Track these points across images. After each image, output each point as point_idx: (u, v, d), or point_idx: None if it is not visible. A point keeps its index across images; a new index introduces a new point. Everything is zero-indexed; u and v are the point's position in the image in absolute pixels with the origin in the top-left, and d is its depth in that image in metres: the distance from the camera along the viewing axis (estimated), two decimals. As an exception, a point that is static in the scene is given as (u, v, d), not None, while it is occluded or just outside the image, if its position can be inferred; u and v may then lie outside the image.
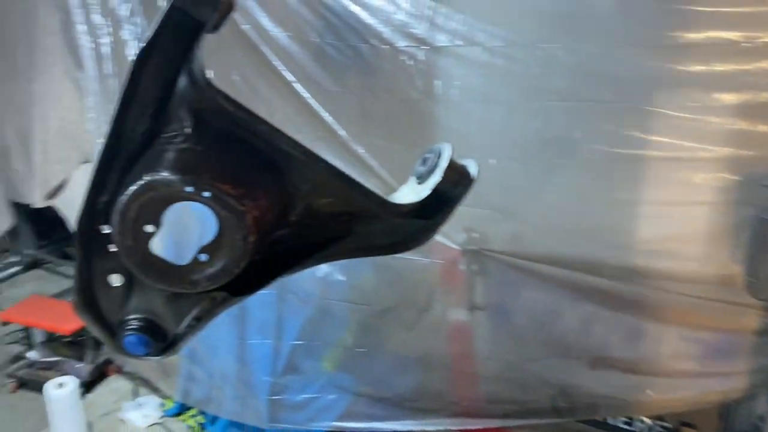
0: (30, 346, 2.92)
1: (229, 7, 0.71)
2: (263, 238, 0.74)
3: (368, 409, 2.38)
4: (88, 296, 0.82)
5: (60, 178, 3.23)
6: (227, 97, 0.72)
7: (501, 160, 2.01)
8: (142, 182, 0.69)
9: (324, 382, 2.43)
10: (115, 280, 0.82)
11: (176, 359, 2.59)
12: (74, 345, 2.84)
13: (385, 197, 0.79)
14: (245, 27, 2.19)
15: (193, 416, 2.69)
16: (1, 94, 3.33)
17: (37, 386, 2.77)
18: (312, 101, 2.16)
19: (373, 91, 2.21)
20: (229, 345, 2.44)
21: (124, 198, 0.70)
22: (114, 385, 2.89)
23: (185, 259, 0.77)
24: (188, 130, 0.71)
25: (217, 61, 2.39)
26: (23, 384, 2.83)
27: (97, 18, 2.45)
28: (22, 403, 2.78)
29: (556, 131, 2.01)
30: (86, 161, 3.22)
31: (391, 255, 0.85)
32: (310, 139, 2.18)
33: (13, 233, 3.80)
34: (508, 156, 2.03)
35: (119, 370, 2.92)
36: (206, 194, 0.69)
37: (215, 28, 0.72)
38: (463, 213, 2.14)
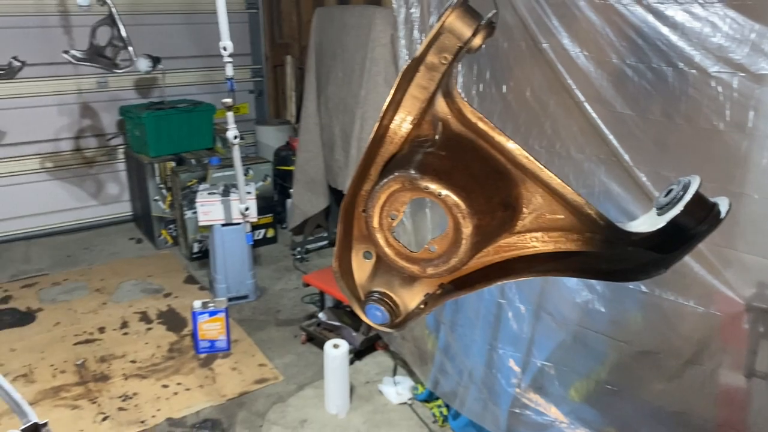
0: (321, 308, 3.44)
1: (490, 34, 0.78)
2: (486, 242, 0.79)
3: (607, 451, 2.24)
4: (345, 266, 0.98)
5: (367, 171, 3.71)
6: (473, 110, 0.80)
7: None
8: (392, 176, 0.81)
9: (567, 410, 2.36)
10: (368, 255, 0.96)
11: (432, 350, 2.79)
12: (354, 316, 3.25)
13: (618, 223, 0.77)
14: (545, 45, 2.23)
15: (438, 406, 2.85)
16: (338, 95, 3.96)
17: (319, 343, 3.27)
18: (599, 122, 2.10)
19: (670, 117, 2.05)
20: (481, 348, 2.53)
21: (377, 187, 0.82)
22: (379, 359, 3.23)
23: (419, 247, 0.87)
24: (437, 137, 0.81)
25: (514, 76, 2.49)
26: (311, 338, 3.36)
27: (416, 33, 2.77)
28: (308, 353, 3.31)
29: None
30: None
31: (618, 283, 0.82)
32: (590, 159, 2.13)
33: (326, 212, 4.50)
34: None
35: (385, 347, 3.25)
36: (442, 194, 0.78)
37: (476, 50, 0.79)
38: (756, 264, 1.89)
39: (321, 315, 3.31)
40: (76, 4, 4.51)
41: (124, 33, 3.37)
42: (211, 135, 4.90)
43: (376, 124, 0.86)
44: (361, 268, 0.99)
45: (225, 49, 3.03)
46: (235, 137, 3.20)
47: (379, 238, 0.86)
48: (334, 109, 4.01)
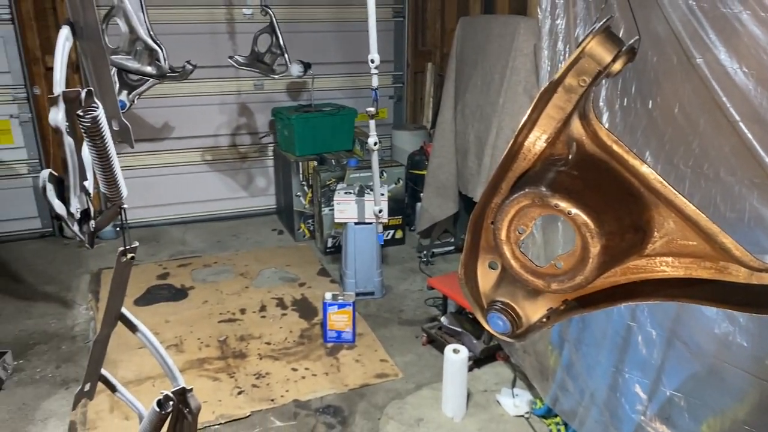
0: (443, 313, 3.50)
1: (630, 59, 0.79)
2: (614, 263, 0.81)
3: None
4: (470, 274, 1.03)
5: (500, 180, 3.71)
6: (608, 132, 0.82)
7: None
8: (523, 192, 0.85)
9: (697, 446, 2.22)
10: (494, 265, 1.01)
11: (554, 366, 2.75)
12: (475, 323, 3.28)
13: (756, 255, 0.76)
14: (699, 60, 2.12)
15: (556, 423, 2.80)
16: (475, 102, 4.00)
17: (440, 346, 3.33)
18: (756, 144, 1.96)
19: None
20: (605, 370, 2.45)
21: (508, 201, 0.87)
22: (498, 370, 3.23)
23: (545, 262, 0.90)
24: (570, 156, 0.84)
25: (662, 92, 2.40)
26: (432, 341, 3.43)
27: (560, 45, 2.74)
28: (428, 355, 3.38)
29: None
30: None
31: (761, 316, 0.80)
32: (742, 182, 2.00)
33: (455, 218, 4.55)
34: None
35: (506, 358, 3.24)
36: (572, 212, 0.81)
37: (615, 74, 0.81)
38: None
39: (443, 319, 3.37)
40: (241, 14, 4.98)
41: (282, 41, 3.67)
42: (351, 138, 5.14)
43: (511, 141, 0.91)
44: (486, 277, 1.04)
45: (372, 61, 3.20)
46: (375, 144, 3.37)
47: (506, 250, 0.91)
48: (470, 116, 4.05)
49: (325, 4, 5.36)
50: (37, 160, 4.89)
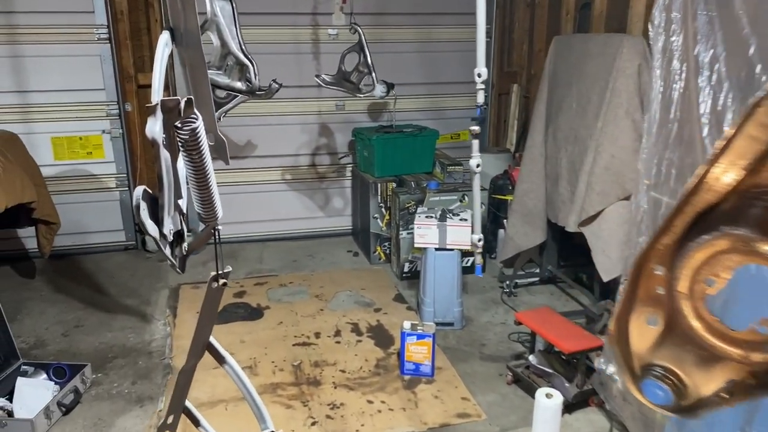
0: (531, 351, 3.25)
1: None
2: None
3: None
4: (623, 328, 0.84)
5: (596, 209, 3.45)
6: None
7: None
8: (719, 233, 0.66)
9: None
10: (653, 321, 0.81)
11: (661, 421, 2.45)
12: (568, 365, 3.02)
13: None
14: None
15: (660, 485, 2.49)
16: (569, 125, 3.77)
17: (526, 386, 3.09)
18: None
19: None
20: (729, 430, 2.15)
21: (694, 244, 0.68)
22: (591, 417, 2.94)
23: (738, 325, 0.70)
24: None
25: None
26: (517, 380, 3.19)
27: (675, 63, 2.49)
28: (513, 395, 3.14)
29: None
30: (625, 197, 3.34)
31: None
32: None
33: (541, 247, 4.29)
34: None
35: (601, 404, 2.95)
36: (791, 263, 0.61)
37: None
38: None
39: (531, 358, 3.12)
40: (326, 34, 4.97)
41: (370, 60, 3.58)
42: (431, 160, 5.00)
43: (698, 174, 0.71)
44: (642, 335, 0.84)
45: (479, 75, 3.04)
46: (477, 165, 3.19)
47: (686, 306, 0.71)
48: (563, 139, 3.82)
49: (410, 25, 5.28)
50: (125, 175, 5.03)
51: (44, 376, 3.16)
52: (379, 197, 4.80)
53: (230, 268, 1.39)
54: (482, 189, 4.67)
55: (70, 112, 4.81)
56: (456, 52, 5.42)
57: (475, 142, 3.25)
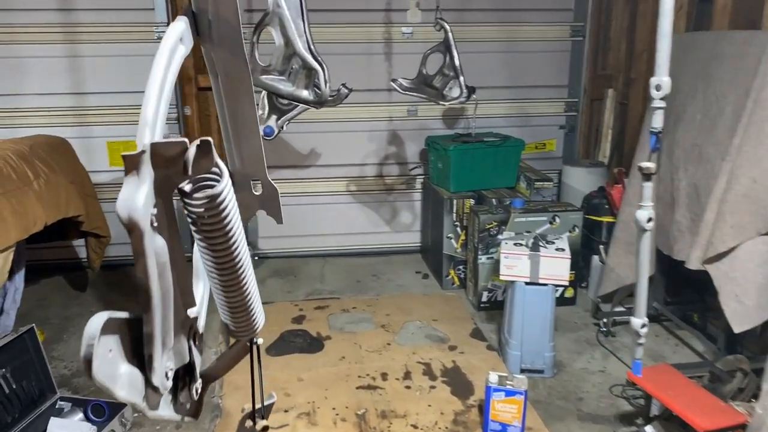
0: (645, 416, 2.67)
1: None
2: None
3: None
4: None
5: (729, 245, 2.83)
6: None
7: None
8: None
9: None
10: None
11: None
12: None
13: None
14: None
15: None
16: (691, 141, 3.15)
17: (645, 466, 2.51)
18: None
19: None
20: None
21: None
22: None
23: None
24: None
25: None
26: (628, 452, 2.62)
27: None
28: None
29: None
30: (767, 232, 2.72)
31: None
32: None
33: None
34: None
35: (739, 495, 2.35)
36: None
37: None
38: None
39: (649, 429, 2.54)
40: (400, 32, 4.49)
41: (457, 61, 3.08)
42: (515, 173, 4.44)
43: None
44: None
45: (658, 88, 2.29)
46: (649, 220, 2.42)
47: None
48: (682, 157, 3.20)
49: (494, 22, 4.74)
50: (181, 183, 4.71)
51: (80, 415, 2.83)
52: (455, 215, 4.28)
53: (274, 398, 0.91)
54: (575, 209, 4.10)
55: (126, 116, 4.52)
56: (545, 52, 4.85)
57: (647, 186, 2.41)
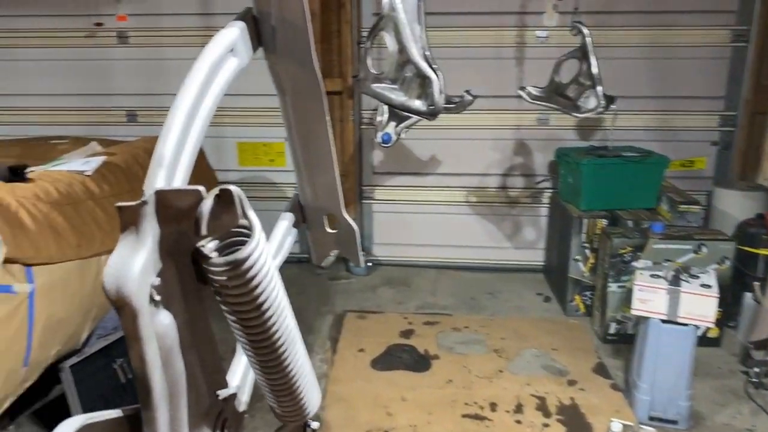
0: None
1: None
2: None
3: None
4: None
5: None
6: None
7: None
8: None
9: None
10: None
11: None
12: None
13: None
14: None
15: None
16: None
17: None
18: None
19: None
20: None
21: None
22: None
23: None
24: None
25: None
26: None
27: None
28: None
29: None
30: None
31: None
32: None
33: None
34: None
35: None
36: None
37: None
38: None
39: None
40: (533, 36, 4.22)
41: (595, 69, 2.78)
42: (656, 193, 3.99)
43: None
44: None
45: None
46: None
47: None
48: None
49: (639, 26, 4.30)
50: (302, 186, 4.76)
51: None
52: (584, 235, 3.92)
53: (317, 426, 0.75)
54: (725, 238, 3.59)
55: (255, 118, 4.65)
56: (698, 59, 4.33)
57: None
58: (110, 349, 2.75)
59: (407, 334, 3.80)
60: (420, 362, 3.49)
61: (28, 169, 2.63)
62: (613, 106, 3.57)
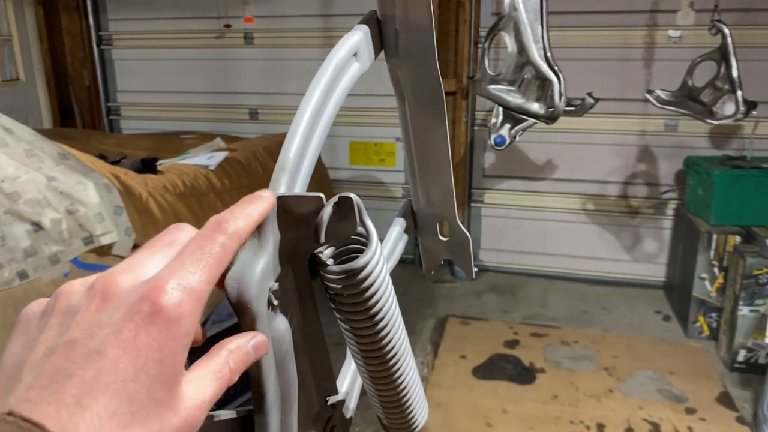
0: None
1: None
2: None
3: None
4: None
5: None
6: None
7: None
8: None
9: None
10: None
11: None
12: None
13: None
14: None
15: None
16: None
17: None
18: None
19: None
20: None
21: None
22: None
23: None
24: None
25: None
26: None
27: None
28: None
29: None
30: None
31: None
32: None
33: None
34: None
35: None
36: None
37: None
38: None
39: None
40: (665, 36, 3.94)
41: (736, 72, 2.53)
42: (801, 210, 3.59)
43: None
44: None
45: None
46: None
47: None
48: None
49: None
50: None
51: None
52: (713, 252, 3.60)
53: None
54: None
55: (368, 118, 4.70)
56: None
57: None
58: (223, 335, 2.89)
59: (512, 344, 3.69)
60: (524, 374, 3.37)
61: (159, 162, 2.82)
62: (753, 113, 3.24)
